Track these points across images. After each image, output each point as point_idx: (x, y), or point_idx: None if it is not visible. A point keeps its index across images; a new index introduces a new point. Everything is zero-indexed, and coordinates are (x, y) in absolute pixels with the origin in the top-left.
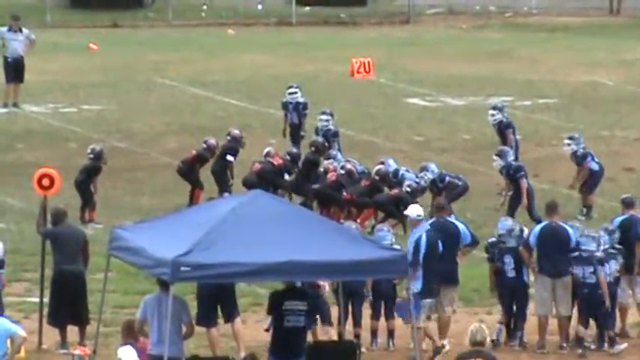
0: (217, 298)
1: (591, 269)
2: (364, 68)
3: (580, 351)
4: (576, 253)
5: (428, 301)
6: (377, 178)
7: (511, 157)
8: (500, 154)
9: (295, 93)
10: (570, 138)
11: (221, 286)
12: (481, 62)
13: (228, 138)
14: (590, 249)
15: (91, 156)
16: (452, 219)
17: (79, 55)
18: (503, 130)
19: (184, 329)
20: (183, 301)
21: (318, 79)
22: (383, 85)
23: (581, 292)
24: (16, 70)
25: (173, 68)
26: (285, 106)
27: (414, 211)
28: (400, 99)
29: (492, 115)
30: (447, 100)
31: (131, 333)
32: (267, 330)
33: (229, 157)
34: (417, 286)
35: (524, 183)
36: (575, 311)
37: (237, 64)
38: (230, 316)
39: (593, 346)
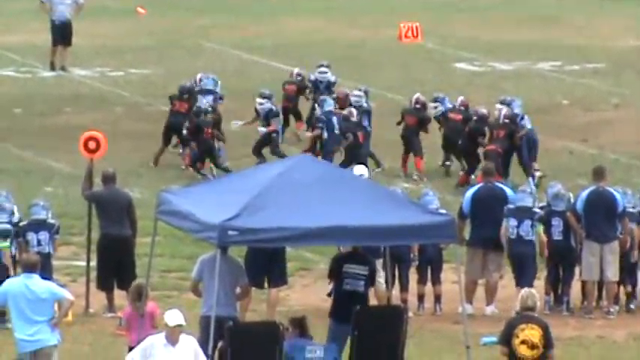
0: (266, 264)
1: None
2: (412, 33)
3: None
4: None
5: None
6: None
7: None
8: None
9: (326, 72)
10: (435, 100)
11: (271, 253)
12: (530, 27)
13: None
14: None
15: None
16: (499, 184)
17: (126, 19)
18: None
19: (239, 291)
20: (239, 264)
21: (365, 43)
22: (431, 50)
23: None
24: (62, 33)
25: (220, 32)
26: (315, 84)
27: (356, 171)
28: (448, 64)
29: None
30: (495, 65)
31: (138, 297)
32: (329, 295)
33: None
34: None
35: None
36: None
37: (283, 29)
38: (275, 283)
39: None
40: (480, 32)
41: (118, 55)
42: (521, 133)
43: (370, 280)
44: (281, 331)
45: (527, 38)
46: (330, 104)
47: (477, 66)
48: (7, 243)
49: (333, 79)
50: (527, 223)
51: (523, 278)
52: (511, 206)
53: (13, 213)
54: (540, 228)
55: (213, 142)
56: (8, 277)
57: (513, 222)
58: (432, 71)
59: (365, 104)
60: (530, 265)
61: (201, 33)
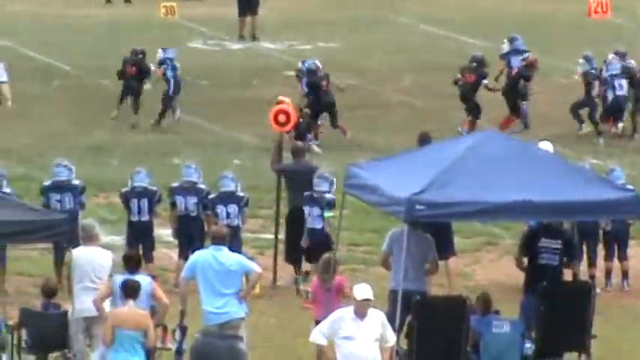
0: (432, 236)
1: None
2: (602, 8)
3: None
4: None
5: None
6: None
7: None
8: (587, 58)
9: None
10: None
11: (438, 225)
12: None
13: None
14: None
15: (474, 64)
16: None
17: None
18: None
19: (428, 266)
20: (428, 239)
21: (554, 18)
22: (620, 27)
23: None
24: (249, 3)
25: (408, 6)
26: None
27: (542, 146)
28: (638, 40)
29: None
30: None
31: (327, 270)
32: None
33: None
34: None
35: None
36: None
37: (471, 3)
38: (445, 254)
39: None
40: None
41: (306, 28)
42: None
43: (565, 254)
44: (468, 306)
45: None
46: None
47: None
48: (331, 213)
49: None
50: None
51: None
52: None
53: (332, 183)
54: None
55: None
56: (329, 247)
57: None
58: (620, 47)
59: (593, 71)
60: None
61: (389, 6)
